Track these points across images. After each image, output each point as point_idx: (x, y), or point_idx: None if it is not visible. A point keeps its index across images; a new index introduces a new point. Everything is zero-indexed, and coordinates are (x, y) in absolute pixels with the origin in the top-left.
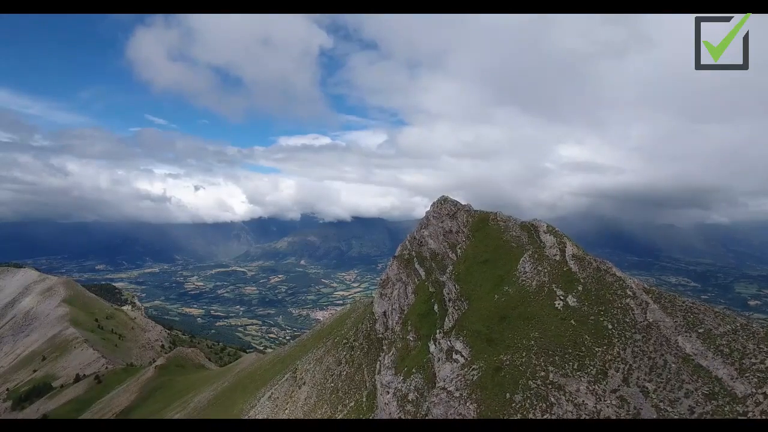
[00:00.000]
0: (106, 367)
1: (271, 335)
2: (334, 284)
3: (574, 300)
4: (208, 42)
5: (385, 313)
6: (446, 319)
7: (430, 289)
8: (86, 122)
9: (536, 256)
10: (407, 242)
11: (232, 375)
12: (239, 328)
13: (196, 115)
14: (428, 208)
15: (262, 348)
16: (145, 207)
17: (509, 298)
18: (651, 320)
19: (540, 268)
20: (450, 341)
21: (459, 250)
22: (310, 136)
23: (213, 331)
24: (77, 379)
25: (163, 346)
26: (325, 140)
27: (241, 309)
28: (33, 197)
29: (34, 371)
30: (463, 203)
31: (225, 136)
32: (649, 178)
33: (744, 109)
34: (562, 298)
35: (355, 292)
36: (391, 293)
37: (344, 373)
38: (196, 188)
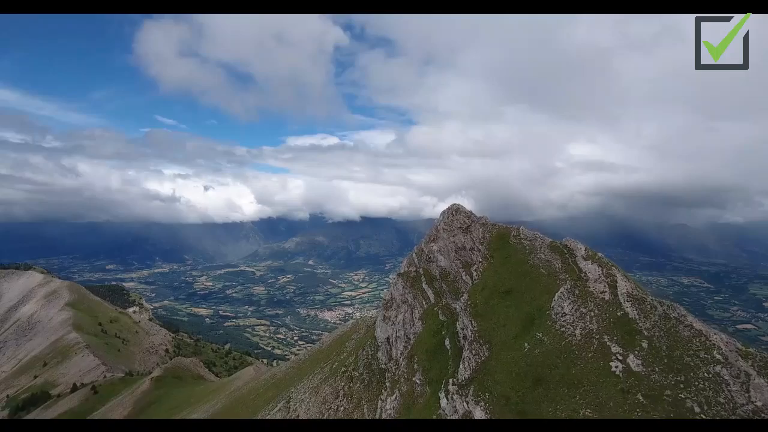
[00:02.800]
0: (105, 376)
1: (279, 336)
2: (343, 284)
3: (639, 362)
4: (218, 38)
5: (388, 339)
6: (461, 365)
7: (441, 317)
8: (97, 123)
9: (577, 292)
10: (414, 256)
11: (226, 395)
12: (247, 329)
13: (205, 116)
14: (437, 218)
15: (270, 349)
16: (155, 207)
17: (545, 350)
18: (759, 403)
19: (584, 310)
20: (466, 402)
21: (475, 273)
22: (318, 135)
23: (221, 331)
24: (74, 388)
25: (167, 351)
26: (333, 140)
27: (250, 309)
28: (46, 197)
29: (35, 377)
30: (477, 215)
31: (233, 137)
32: (663, 176)
33: (759, 106)
34: (620, 357)
35: (363, 293)
36: (396, 317)
37: (341, 408)
38: (206, 188)
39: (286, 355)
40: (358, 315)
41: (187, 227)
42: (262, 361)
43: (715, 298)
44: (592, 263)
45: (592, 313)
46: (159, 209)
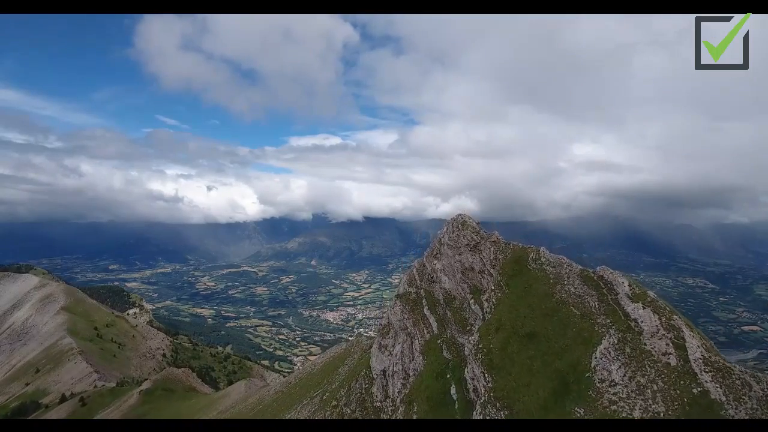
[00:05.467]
0: (95, 385)
1: (281, 336)
2: (345, 285)
3: None
4: (223, 33)
5: (384, 372)
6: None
7: (445, 354)
8: (99, 123)
9: (628, 350)
10: (414, 273)
11: (212, 415)
12: (249, 330)
13: (207, 116)
14: (441, 230)
15: (271, 350)
16: (158, 207)
17: None
18: None
19: (642, 380)
20: None
21: (486, 303)
22: (320, 136)
23: (222, 332)
24: (63, 399)
25: (164, 355)
26: (336, 140)
27: (252, 310)
28: (49, 198)
29: (27, 384)
30: (488, 231)
31: (236, 137)
32: (667, 177)
33: (763, 106)
34: None
35: (366, 293)
36: (393, 347)
37: None
38: (209, 188)
39: (287, 356)
40: (360, 316)
41: (190, 227)
42: (260, 364)
43: (721, 299)
44: (643, 308)
45: (655, 386)
46: (162, 209)
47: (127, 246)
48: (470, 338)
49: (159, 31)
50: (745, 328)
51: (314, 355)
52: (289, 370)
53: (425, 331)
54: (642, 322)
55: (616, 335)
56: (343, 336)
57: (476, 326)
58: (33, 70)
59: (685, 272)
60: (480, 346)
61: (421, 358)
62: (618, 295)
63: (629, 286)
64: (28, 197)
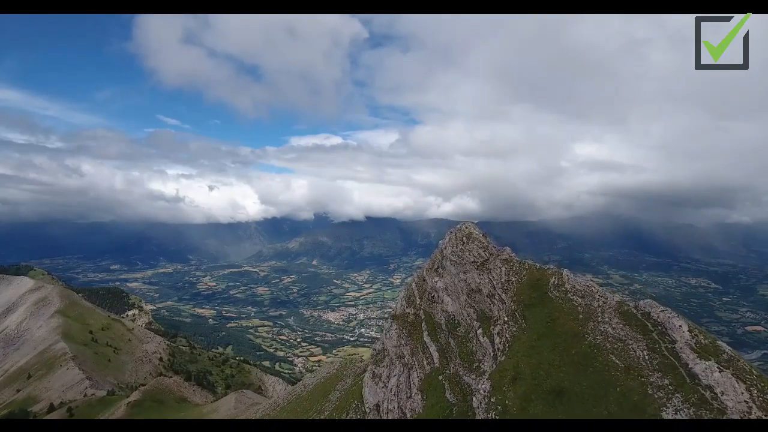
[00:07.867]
0: (86, 393)
1: (282, 337)
2: (346, 285)
3: None
4: (226, 29)
5: (378, 407)
6: None
7: (448, 397)
8: (101, 123)
9: None
10: (414, 289)
11: None
12: (250, 330)
13: (209, 115)
14: (443, 240)
15: (272, 351)
16: (159, 207)
17: None
18: None
19: None
20: None
21: (498, 339)
22: (321, 135)
23: (223, 333)
24: (51, 408)
25: (161, 359)
26: (337, 140)
27: (253, 310)
28: (50, 198)
29: (18, 391)
30: (497, 247)
31: (237, 137)
32: (670, 176)
33: (765, 106)
34: None
35: (367, 293)
36: (388, 378)
37: None
38: (210, 188)
39: (288, 357)
40: (361, 316)
41: (191, 227)
42: (260, 366)
43: (724, 299)
44: (720, 371)
45: None
46: (163, 209)
47: (128, 246)
48: (480, 383)
49: (160, 26)
50: (749, 328)
51: (315, 355)
52: (289, 371)
53: (425, 362)
54: (722, 394)
55: (685, 409)
56: (345, 336)
57: (485, 362)
58: (34, 70)
59: (687, 272)
60: (493, 399)
61: (419, 396)
62: (676, 344)
63: (689, 332)
64: (30, 197)
